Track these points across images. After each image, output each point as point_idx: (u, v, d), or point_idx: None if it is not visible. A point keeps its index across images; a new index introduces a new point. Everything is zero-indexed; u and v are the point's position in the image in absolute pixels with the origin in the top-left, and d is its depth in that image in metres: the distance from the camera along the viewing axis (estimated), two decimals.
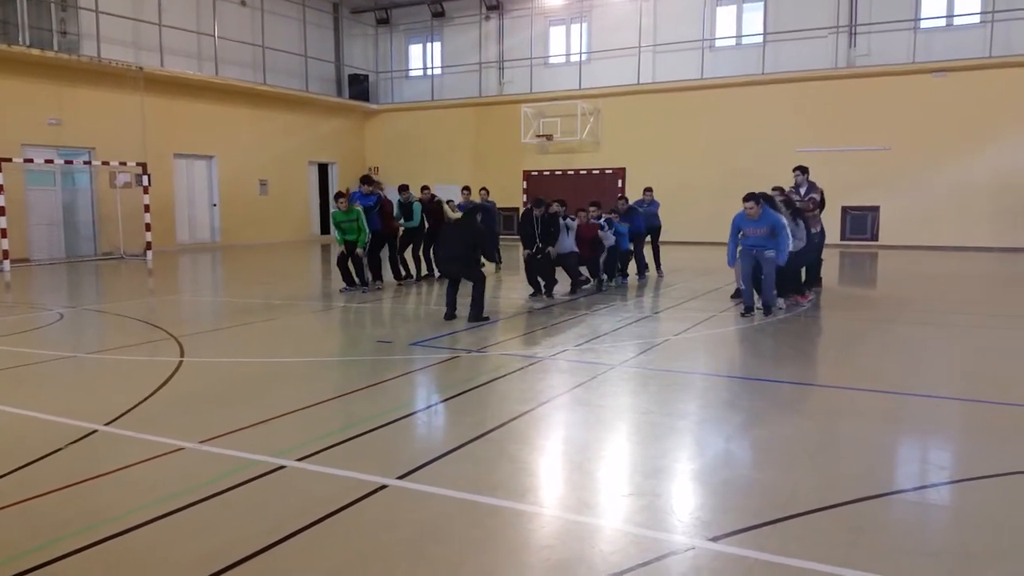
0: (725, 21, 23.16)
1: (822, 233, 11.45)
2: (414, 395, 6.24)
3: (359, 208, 12.16)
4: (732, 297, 10.79)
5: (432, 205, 13.88)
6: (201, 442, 4.68)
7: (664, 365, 6.98)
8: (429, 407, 5.79)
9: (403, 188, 13.93)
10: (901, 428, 5.24)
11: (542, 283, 11.55)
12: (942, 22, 20.62)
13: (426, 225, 13.81)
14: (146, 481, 4.14)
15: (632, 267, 13.79)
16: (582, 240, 12.04)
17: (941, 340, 8.50)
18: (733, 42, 23.05)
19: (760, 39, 22.35)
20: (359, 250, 12.03)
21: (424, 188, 14.35)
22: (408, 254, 13.85)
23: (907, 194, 20.39)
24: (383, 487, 3.97)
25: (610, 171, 24.07)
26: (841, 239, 21.02)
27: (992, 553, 3.31)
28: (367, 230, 12.08)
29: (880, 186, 20.69)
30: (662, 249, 14.75)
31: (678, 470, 4.38)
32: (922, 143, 20.15)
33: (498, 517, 3.66)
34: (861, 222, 21.25)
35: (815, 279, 11.72)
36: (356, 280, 12.23)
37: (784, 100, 21.44)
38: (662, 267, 14.45)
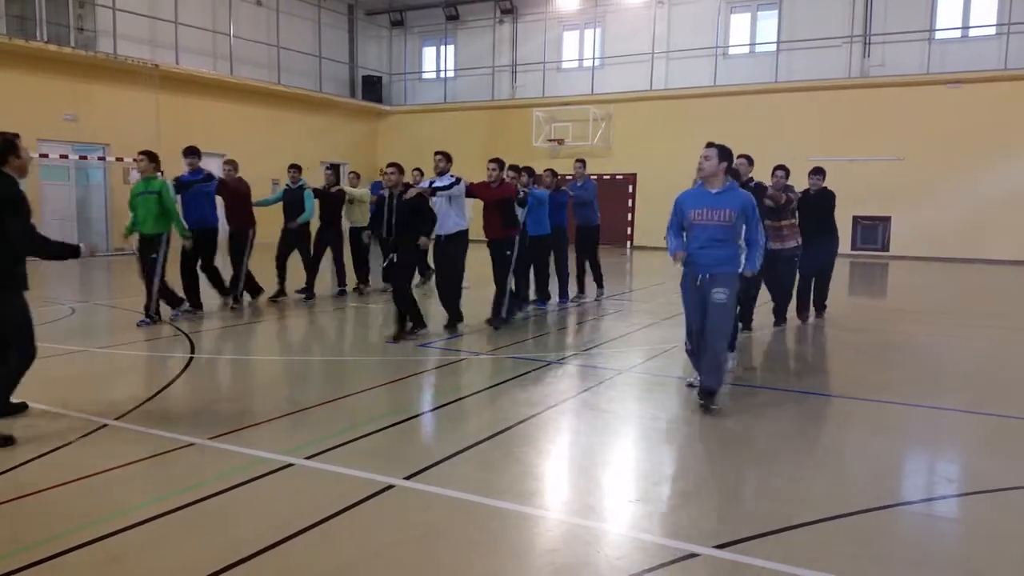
0: (739, 29, 23.14)
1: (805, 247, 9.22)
2: (422, 396, 6.25)
3: (166, 181, 8.64)
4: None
5: (330, 195, 11.19)
6: (210, 438, 4.71)
7: (671, 371, 6.97)
8: (437, 408, 5.80)
9: (294, 167, 10.76)
10: (909, 439, 5.22)
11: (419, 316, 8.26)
12: (957, 33, 20.54)
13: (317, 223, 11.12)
14: (154, 476, 4.17)
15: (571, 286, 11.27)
16: (490, 208, 8.67)
17: (951, 351, 8.45)
18: (747, 50, 23.03)
19: (774, 47, 22.32)
20: (185, 243, 9.07)
21: (329, 169, 11.52)
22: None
23: (919, 205, 20.30)
24: (390, 487, 3.99)
25: (621, 177, 24.06)
26: (852, 249, 20.93)
27: (998, 567, 3.30)
28: (174, 215, 8.65)
29: (892, 197, 20.60)
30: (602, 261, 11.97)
31: (684, 477, 4.38)
32: (936, 154, 20.06)
33: (504, 520, 3.66)
34: (872, 232, 21.17)
35: (821, 300, 9.88)
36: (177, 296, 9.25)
37: (797, 109, 21.38)
38: (603, 283, 11.52)
